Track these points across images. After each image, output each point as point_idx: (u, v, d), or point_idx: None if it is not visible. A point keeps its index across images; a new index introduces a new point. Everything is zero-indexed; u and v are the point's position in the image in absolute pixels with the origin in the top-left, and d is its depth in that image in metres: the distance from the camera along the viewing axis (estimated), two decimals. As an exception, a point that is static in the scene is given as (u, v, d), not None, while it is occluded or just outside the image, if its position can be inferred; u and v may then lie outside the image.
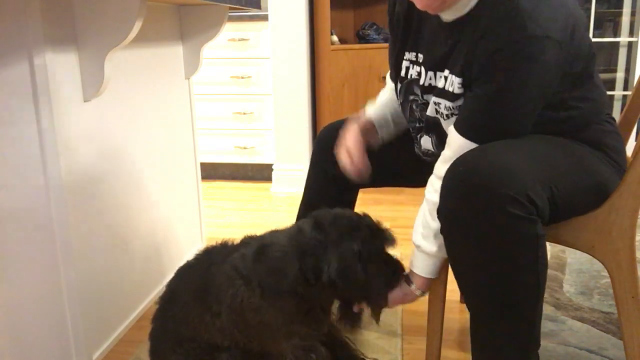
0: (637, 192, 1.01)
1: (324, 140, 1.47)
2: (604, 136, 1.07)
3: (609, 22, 3.48)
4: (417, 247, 1.12)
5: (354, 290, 1.04)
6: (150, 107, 1.60)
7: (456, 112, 1.07)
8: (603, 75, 3.33)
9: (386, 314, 1.56)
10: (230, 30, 2.72)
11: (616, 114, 3.19)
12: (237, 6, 1.55)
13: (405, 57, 1.21)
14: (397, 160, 1.35)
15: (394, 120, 1.34)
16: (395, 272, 1.12)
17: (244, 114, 2.89)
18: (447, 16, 1.05)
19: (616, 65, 3.20)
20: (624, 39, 3.13)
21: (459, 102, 1.06)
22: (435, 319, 1.21)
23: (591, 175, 1.02)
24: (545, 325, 1.47)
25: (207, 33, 1.77)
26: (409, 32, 1.18)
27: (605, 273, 1.08)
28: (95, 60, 1.20)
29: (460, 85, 1.04)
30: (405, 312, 1.60)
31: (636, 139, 1.08)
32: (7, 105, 1.06)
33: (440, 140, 1.13)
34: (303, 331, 1.08)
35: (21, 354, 1.12)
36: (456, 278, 1.03)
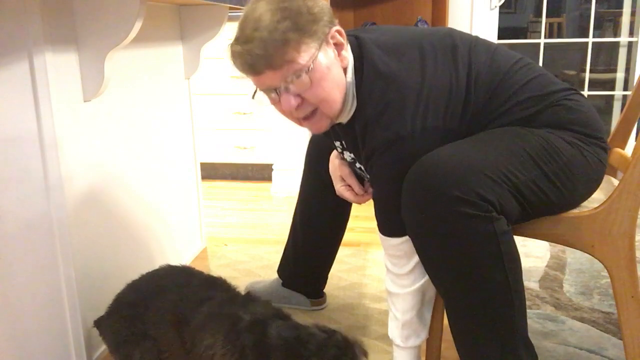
0: (637, 192, 1.01)
1: (317, 143, 1.48)
2: (566, 113, 1.05)
3: (609, 22, 3.48)
4: (392, 340, 1.19)
5: None
6: (150, 107, 1.60)
7: None
8: (603, 75, 3.33)
9: (387, 314, 1.57)
10: (230, 30, 2.72)
11: (616, 113, 3.19)
12: (237, 6, 1.55)
13: (335, 144, 1.24)
14: None
15: None
16: None
17: (244, 114, 2.89)
18: (340, 121, 1.10)
19: (616, 65, 3.20)
20: (624, 39, 3.13)
21: None
22: (435, 319, 1.21)
23: (554, 157, 1.00)
24: (545, 325, 1.47)
25: (207, 33, 1.77)
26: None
27: (605, 273, 1.08)
28: (95, 60, 1.20)
29: None
30: (405, 312, 1.60)
31: (636, 139, 1.07)
32: (7, 105, 1.06)
33: None
34: None
35: (20, 354, 1.12)
36: (430, 279, 1.04)
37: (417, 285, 1.11)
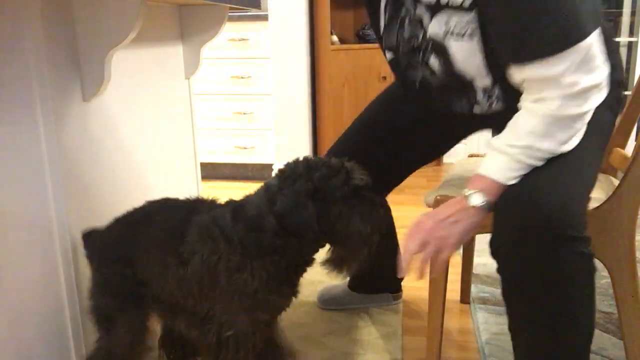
0: (637, 192, 1.01)
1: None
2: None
3: (609, 22, 3.48)
4: (496, 148, 0.95)
5: (320, 231, 0.97)
6: (151, 107, 1.60)
7: (469, 29, 0.96)
8: (603, 75, 3.33)
9: (386, 314, 1.57)
10: (230, 30, 2.72)
11: (616, 114, 3.19)
12: (237, 6, 1.55)
13: None
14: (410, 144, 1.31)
15: None
16: (372, 207, 0.99)
17: (244, 114, 2.89)
18: None
19: (616, 65, 3.20)
20: (624, 39, 3.13)
21: (470, 17, 0.94)
22: (435, 319, 1.21)
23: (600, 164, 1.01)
24: (545, 325, 1.47)
25: (207, 33, 1.77)
26: None
27: (605, 273, 1.08)
28: (96, 60, 1.20)
29: None
30: (405, 312, 1.60)
31: (636, 139, 1.07)
32: (7, 105, 1.06)
33: (447, 67, 1.04)
34: (272, 301, 1.05)
35: (20, 355, 1.12)
36: (510, 316, 0.97)
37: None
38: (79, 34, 1.19)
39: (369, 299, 1.60)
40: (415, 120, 1.28)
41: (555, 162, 0.92)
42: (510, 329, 0.98)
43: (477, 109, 1.11)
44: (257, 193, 1.05)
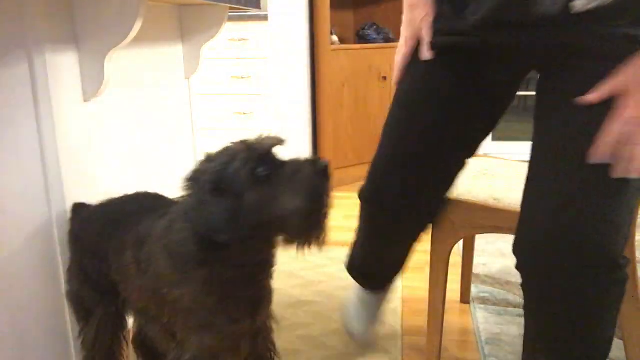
0: (637, 192, 1.00)
1: None
2: None
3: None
4: None
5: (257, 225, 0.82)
6: (150, 107, 1.60)
7: None
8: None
9: (386, 314, 1.57)
10: (230, 30, 2.72)
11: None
12: (237, 6, 1.55)
13: None
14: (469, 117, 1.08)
15: None
16: (299, 172, 0.83)
17: (244, 114, 2.89)
18: None
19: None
20: (624, 39, 3.12)
21: None
22: (435, 319, 1.21)
23: None
24: (545, 325, 1.47)
25: (207, 33, 1.77)
26: None
27: (605, 273, 1.08)
28: (96, 60, 1.20)
29: None
30: (405, 312, 1.60)
31: (636, 139, 1.07)
32: (7, 105, 1.06)
33: None
34: (219, 324, 0.90)
35: (20, 355, 1.12)
36: (527, 330, 0.96)
37: None
38: (79, 34, 1.19)
39: (385, 296, 1.42)
40: (462, 76, 1.08)
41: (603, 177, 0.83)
42: (525, 341, 0.97)
43: (578, 4, 0.85)
44: (178, 207, 0.95)
